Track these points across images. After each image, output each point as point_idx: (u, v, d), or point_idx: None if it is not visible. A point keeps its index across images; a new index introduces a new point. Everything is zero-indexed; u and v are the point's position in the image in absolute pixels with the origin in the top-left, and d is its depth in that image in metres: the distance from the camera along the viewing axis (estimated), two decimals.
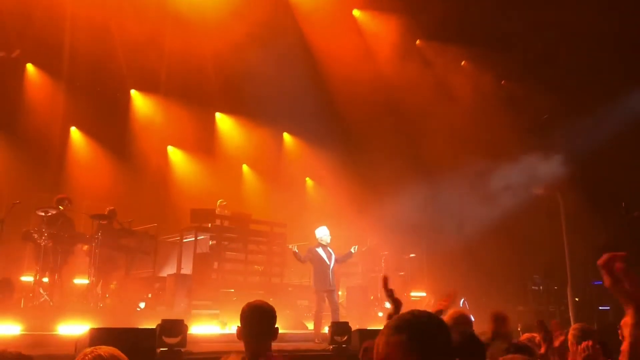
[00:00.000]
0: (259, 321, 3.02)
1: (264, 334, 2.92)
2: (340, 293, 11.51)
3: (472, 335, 2.55)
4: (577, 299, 12.17)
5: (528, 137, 14.14)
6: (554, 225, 12.91)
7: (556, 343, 3.39)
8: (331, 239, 9.47)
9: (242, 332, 3.04)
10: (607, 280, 1.49)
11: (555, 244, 12.94)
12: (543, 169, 13.15)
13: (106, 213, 9.69)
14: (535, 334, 4.17)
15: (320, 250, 9.26)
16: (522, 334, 5.03)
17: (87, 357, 2.07)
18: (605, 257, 1.49)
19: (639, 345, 1.47)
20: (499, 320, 4.41)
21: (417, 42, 15.70)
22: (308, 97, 14.06)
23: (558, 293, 13.77)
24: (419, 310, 1.64)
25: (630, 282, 1.46)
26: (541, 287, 14.26)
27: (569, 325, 4.01)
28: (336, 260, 9.40)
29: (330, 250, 9.39)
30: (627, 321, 1.49)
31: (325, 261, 9.20)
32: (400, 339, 1.51)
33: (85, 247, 9.60)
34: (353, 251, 9.59)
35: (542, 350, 3.32)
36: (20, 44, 12.96)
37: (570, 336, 3.80)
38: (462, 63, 15.74)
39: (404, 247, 13.91)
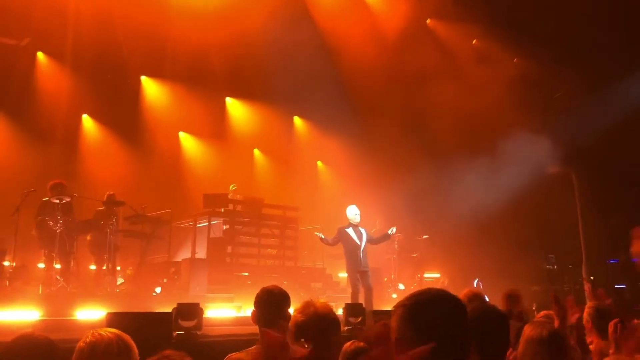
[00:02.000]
0: (273, 305, 3.06)
1: (279, 317, 2.95)
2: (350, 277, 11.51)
3: (485, 308, 2.53)
4: (592, 278, 12.11)
5: (541, 115, 13.98)
6: (568, 204, 12.82)
7: (572, 319, 3.38)
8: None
9: (257, 316, 3.09)
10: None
11: (569, 222, 12.87)
12: (557, 148, 13.03)
13: (105, 199, 9.74)
14: (551, 312, 4.17)
15: (350, 231, 9.10)
16: (537, 313, 5.03)
17: (87, 338, 2.10)
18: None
19: None
20: (512, 299, 4.41)
21: (428, 21, 15.50)
22: (318, 80, 13.96)
23: (573, 272, 13.71)
24: (429, 288, 1.65)
25: None
26: (556, 266, 14.21)
27: (584, 304, 3.98)
28: (369, 241, 9.21)
29: (362, 230, 9.18)
30: None
31: (355, 241, 9.03)
32: (400, 312, 1.56)
33: (89, 237, 9.63)
34: (391, 233, 9.24)
35: (556, 325, 3.31)
36: (30, 32, 12.99)
37: (585, 314, 3.79)
38: (474, 42, 15.54)
39: (417, 228, 13.89)
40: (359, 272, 8.95)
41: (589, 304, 3.92)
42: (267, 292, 3.15)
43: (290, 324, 2.31)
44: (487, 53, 15.18)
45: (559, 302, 3.46)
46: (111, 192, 9.95)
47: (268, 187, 15.58)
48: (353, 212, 9.22)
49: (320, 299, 2.38)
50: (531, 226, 13.88)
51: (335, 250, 12.21)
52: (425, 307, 1.56)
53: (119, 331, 2.15)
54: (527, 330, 2.73)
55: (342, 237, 9.14)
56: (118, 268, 10.16)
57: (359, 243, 9.02)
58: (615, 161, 13.28)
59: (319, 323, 2.23)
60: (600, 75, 13.50)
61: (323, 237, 9.22)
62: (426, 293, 1.61)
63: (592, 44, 13.12)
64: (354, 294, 8.89)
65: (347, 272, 9.13)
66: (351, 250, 9.03)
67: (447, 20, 15.19)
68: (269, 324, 2.93)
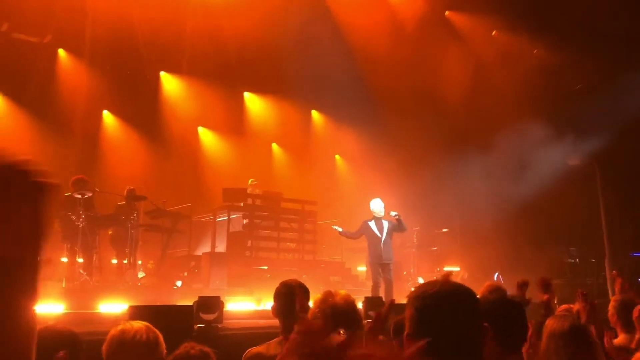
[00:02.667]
0: (293, 298, 3.08)
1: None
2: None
3: (502, 299, 2.51)
4: (614, 272, 11.92)
5: (562, 108, 13.78)
6: (591, 196, 12.63)
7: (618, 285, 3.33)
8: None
9: (277, 310, 3.13)
10: None
11: (592, 215, 12.68)
12: (579, 140, 12.84)
13: (125, 193, 9.82)
14: (572, 305, 4.12)
15: (372, 223, 9.14)
16: (559, 306, 4.97)
17: (117, 330, 2.13)
18: None
19: None
20: (523, 287, 4.37)
21: (446, 13, 15.35)
22: (336, 74, 13.92)
23: (595, 265, 13.53)
24: (440, 281, 1.60)
25: None
26: (578, 260, 14.03)
27: (607, 297, 3.94)
28: (390, 231, 9.19)
29: (385, 222, 9.20)
30: None
31: (376, 234, 9.05)
32: (409, 307, 1.55)
33: (110, 232, 9.74)
34: (395, 216, 9.19)
35: (583, 320, 3.27)
36: (51, 29, 13.16)
37: (610, 307, 3.75)
38: (493, 33, 15.36)
39: (436, 222, 13.81)
40: (381, 264, 8.95)
41: (615, 297, 3.87)
42: (286, 285, 3.20)
43: (310, 315, 2.28)
44: (506, 44, 14.99)
45: (586, 298, 3.42)
46: (131, 187, 10.04)
47: (286, 181, 15.61)
48: (375, 205, 9.23)
49: (341, 291, 2.35)
50: (552, 219, 13.72)
51: (353, 243, 12.19)
52: (434, 301, 1.53)
53: (148, 323, 2.19)
54: (550, 324, 2.70)
55: (364, 230, 9.16)
56: (139, 262, 10.28)
57: (379, 235, 9.03)
58: (638, 153, 13.05)
59: (338, 316, 2.20)
60: (622, 66, 13.25)
61: (341, 230, 9.22)
62: (436, 286, 1.57)
63: (613, 34, 12.88)
64: (375, 287, 8.90)
65: (369, 264, 9.12)
66: (372, 242, 9.07)
67: (466, 11, 15.02)
68: (288, 316, 2.95)
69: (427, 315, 1.51)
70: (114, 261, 10.23)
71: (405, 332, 1.54)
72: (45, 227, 0.86)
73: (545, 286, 4.20)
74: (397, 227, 9.32)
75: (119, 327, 2.16)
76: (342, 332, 2.13)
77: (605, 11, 12.52)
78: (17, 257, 0.81)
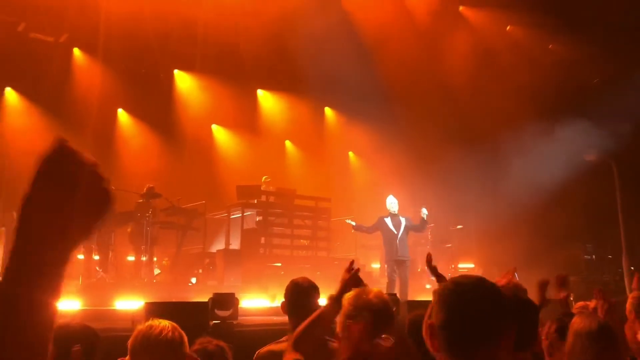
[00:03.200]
0: (302, 296, 3.10)
1: (308, 309, 2.97)
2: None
3: (515, 296, 2.49)
4: (632, 268, 11.79)
5: (578, 103, 13.63)
6: (608, 192, 12.48)
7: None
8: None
9: (287, 307, 3.16)
10: None
11: (608, 211, 12.54)
12: (595, 135, 12.69)
13: (145, 191, 9.89)
14: (588, 303, 4.08)
15: (387, 219, 9.08)
16: (575, 303, 4.93)
17: (143, 329, 2.16)
18: None
19: None
20: (544, 286, 4.33)
21: (460, 8, 15.24)
22: (349, 71, 13.89)
23: (612, 262, 13.38)
24: (466, 275, 1.63)
25: None
26: (594, 256, 13.89)
27: (624, 294, 3.89)
28: (411, 229, 9.12)
29: (402, 218, 9.13)
30: None
31: (391, 230, 8.99)
32: (434, 297, 1.57)
33: (129, 229, 9.81)
34: (424, 215, 9.04)
35: (600, 318, 3.24)
36: (67, 28, 13.29)
37: (628, 304, 3.70)
38: (508, 28, 15.22)
39: (451, 218, 13.74)
40: (396, 261, 8.90)
41: (633, 294, 3.82)
42: (295, 284, 3.23)
43: (341, 315, 2.23)
44: (521, 39, 14.85)
45: (604, 295, 3.39)
46: (151, 185, 10.11)
47: (300, 178, 15.62)
48: (389, 201, 9.21)
49: (374, 288, 2.29)
50: (569, 215, 13.58)
51: (367, 240, 12.16)
52: (458, 292, 1.54)
53: (172, 322, 2.24)
54: (576, 323, 2.68)
55: (380, 225, 9.12)
56: (154, 259, 10.36)
57: (395, 232, 8.97)
58: None
59: (372, 315, 2.15)
60: (639, 60, 13.06)
61: (354, 224, 9.19)
62: (461, 278, 1.60)
63: (631, 28, 12.70)
64: (390, 284, 8.86)
65: (385, 261, 9.07)
66: (388, 239, 9.02)
67: (479, 7, 14.91)
68: (297, 314, 2.96)
69: (450, 306, 1.52)
70: (130, 258, 10.31)
71: (429, 320, 1.55)
72: (90, 233, 0.88)
73: (562, 284, 4.15)
74: (417, 226, 9.26)
75: (147, 323, 2.20)
76: (384, 337, 2.07)
77: (621, 4, 12.35)
78: (54, 252, 0.82)
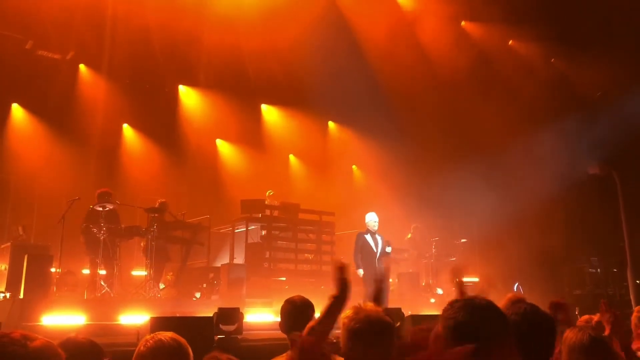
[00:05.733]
0: (296, 314, 3.16)
1: (302, 326, 3.01)
2: (391, 280, 11.40)
3: (531, 308, 2.46)
4: (638, 282, 11.73)
5: (581, 116, 13.65)
6: (611, 205, 12.45)
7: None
8: (379, 226, 9.22)
9: (284, 326, 3.21)
10: None
11: (612, 224, 12.49)
12: (597, 148, 12.69)
13: (157, 206, 9.95)
14: (592, 316, 4.08)
15: (368, 237, 9.07)
16: (580, 316, 4.92)
17: (148, 342, 2.19)
18: None
19: None
20: (556, 308, 4.32)
21: (463, 23, 15.35)
22: (352, 85, 13.99)
23: (617, 275, 13.31)
24: (473, 299, 1.67)
25: None
26: (599, 270, 13.82)
27: (630, 308, 3.89)
28: (382, 249, 9.09)
29: (379, 237, 9.14)
30: None
31: (371, 248, 8.96)
32: (445, 324, 1.67)
33: (143, 243, 9.88)
34: (388, 251, 9.12)
35: (607, 332, 3.25)
36: (73, 45, 13.44)
37: (634, 318, 3.70)
38: (510, 42, 15.32)
39: (455, 232, 13.72)
40: (375, 280, 8.87)
41: (638, 307, 3.82)
42: (289, 302, 3.35)
43: (343, 331, 2.27)
44: (523, 53, 14.93)
45: (609, 309, 3.39)
46: (163, 200, 10.17)
47: (304, 192, 15.65)
48: (369, 219, 9.13)
49: (368, 303, 2.36)
50: (573, 228, 13.55)
51: None
52: (469, 321, 1.62)
53: (176, 335, 2.25)
54: (569, 337, 2.69)
55: (362, 244, 9.01)
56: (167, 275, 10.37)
57: (375, 250, 8.93)
58: None
59: (374, 328, 2.18)
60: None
61: (362, 271, 8.97)
62: (470, 306, 1.67)
63: (632, 41, 12.76)
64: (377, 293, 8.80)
65: (363, 280, 8.83)
66: (368, 258, 8.94)
67: (482, 21, 15.01)
68: (293, 332, 3.01)
69: (463, 335, 1.61)
70: (134, 273, 10.32)
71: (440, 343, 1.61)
72: None
73: (556, 309, 4.15)
74: (384, 252, 9.16)
75: (152, 338, 2.22)
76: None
77: (623, 19, 12.42)
78: None
